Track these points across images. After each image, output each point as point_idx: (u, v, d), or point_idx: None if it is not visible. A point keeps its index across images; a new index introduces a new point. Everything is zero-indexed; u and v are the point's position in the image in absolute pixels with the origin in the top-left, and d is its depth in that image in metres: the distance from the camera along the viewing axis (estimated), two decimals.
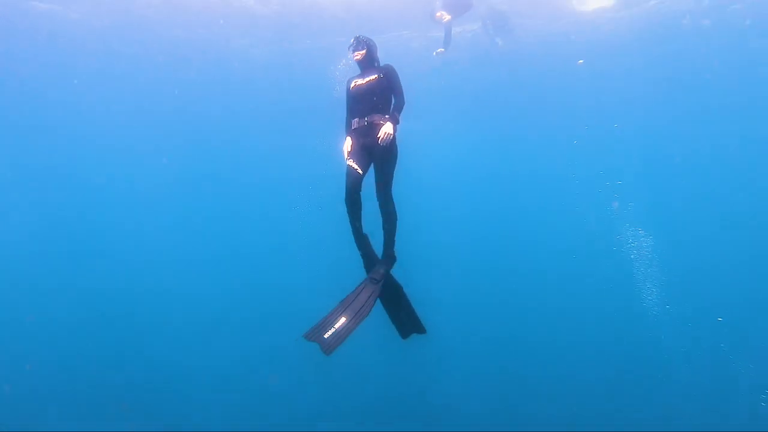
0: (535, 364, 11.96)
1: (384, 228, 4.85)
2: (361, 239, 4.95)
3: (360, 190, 4.93)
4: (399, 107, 4.94)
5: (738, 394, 10.45)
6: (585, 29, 14.82)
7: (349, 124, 5.12)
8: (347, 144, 5.04)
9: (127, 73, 14.88)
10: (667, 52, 16.15)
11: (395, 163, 4.95)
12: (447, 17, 8.51)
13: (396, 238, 4.86)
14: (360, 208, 4.91)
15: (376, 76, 5.02)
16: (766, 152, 16.85)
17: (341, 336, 4.33)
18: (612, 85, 18.19)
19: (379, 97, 4.97)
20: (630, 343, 12.36)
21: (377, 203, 4.86)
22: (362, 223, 4.93)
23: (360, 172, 4.90)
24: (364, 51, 5.15)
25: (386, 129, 4.78)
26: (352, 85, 5.15)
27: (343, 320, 4.41)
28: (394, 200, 4.87)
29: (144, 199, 17.47)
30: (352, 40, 5.20)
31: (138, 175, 17.44)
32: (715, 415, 10.04)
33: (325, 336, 4.32)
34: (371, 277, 4.72)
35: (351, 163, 4.93)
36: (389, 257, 4.85)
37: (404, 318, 5.07)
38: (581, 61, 18.20)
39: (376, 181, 4.87)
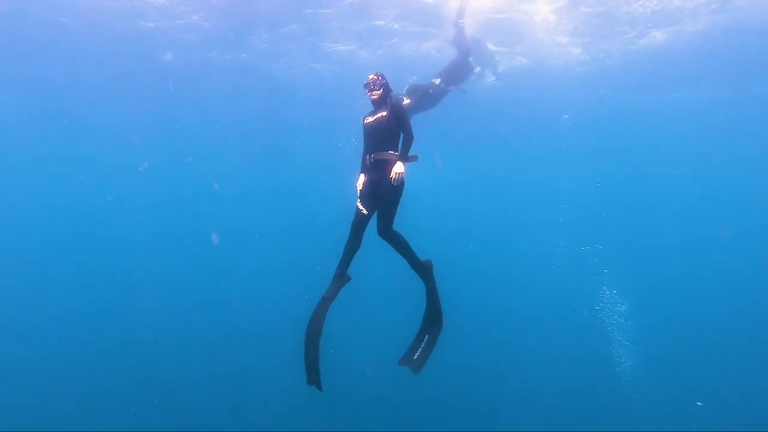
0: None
1: (401, 254, 5.14)
2: (343, 274, 5.14)
3: (363, 231, 5.10)
4: (408, 144, 4.99)
5: None
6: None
7: (363, 159, 5.22)
8: (360, 181, 5.17)
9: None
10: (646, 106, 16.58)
11: (399, 201, 5.03)
12: (407, 101, 8.54)
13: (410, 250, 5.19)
14: (357, 248, 5.10)
15: (383, 113, 5.08)
16: (741, 221, 17.29)
17: (427, 353, 5.20)
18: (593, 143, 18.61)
19: (384, 134, 5.03)
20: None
21: (384, 239, 5.08)
22: (350, 264, 5.11)
23: (365, 213, 5.07)
24: (380, 91, 5.19)
25: (397, 169, 4.86)
26: (365, 121, 5.24)
27: (426, 338, 5.30)
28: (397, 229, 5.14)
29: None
30: (369, 79, 5.22)
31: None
32: None
33: (414, 358, 5.15)
34: (427, 294, 5.36)
35: (359, 204, 5.11)
36: (422, 269, 5.27)
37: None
38: (566, 116, 18.60)
39: (378, 218, 4.99)
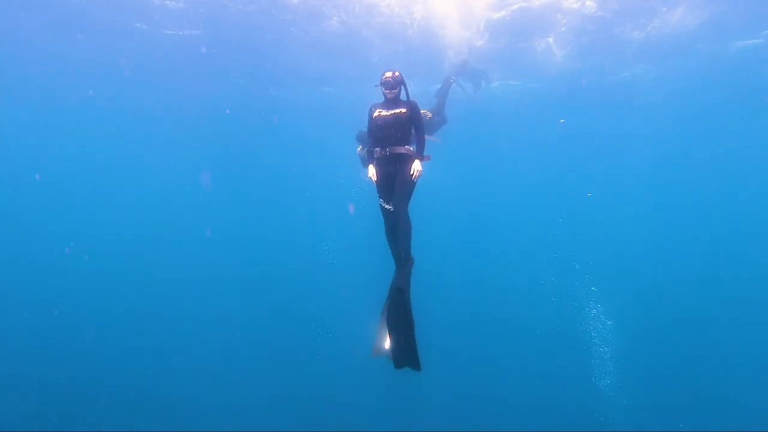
0: None
1: (398, 237, 5.02)
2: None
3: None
4: (423, 143, 5.20)
5: None
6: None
7: (371, 151, 5.29)
8: (372, 173, 5.26)
9: None
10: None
11: (413, 192, 5.21)
12: (429, 115, 8.34)
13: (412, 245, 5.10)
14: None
15: (401, 110, 5.20)
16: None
17: (413, 350, 4.94)
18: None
19: (402, 130, 5.18)
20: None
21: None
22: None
23: (391, 208, 5.16)
24: (397, 90, 5.29)
25: (417, 167, 5.08)
26: (376, 113, 5.29)
27: (403, 339, 4.92)
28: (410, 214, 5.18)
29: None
30: (386, 76, 5.27)
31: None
32: None
33: (410, 360, 4.97)
34: (397, 288, 4.92)
35: (384, 204, 5.21)
36: (401, 263, 5.00)
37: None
38: (562, 120, 18.79)
39: (392, 202, 5.11)
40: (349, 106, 13.94)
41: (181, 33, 11.58)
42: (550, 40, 12.06)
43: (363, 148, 7.83)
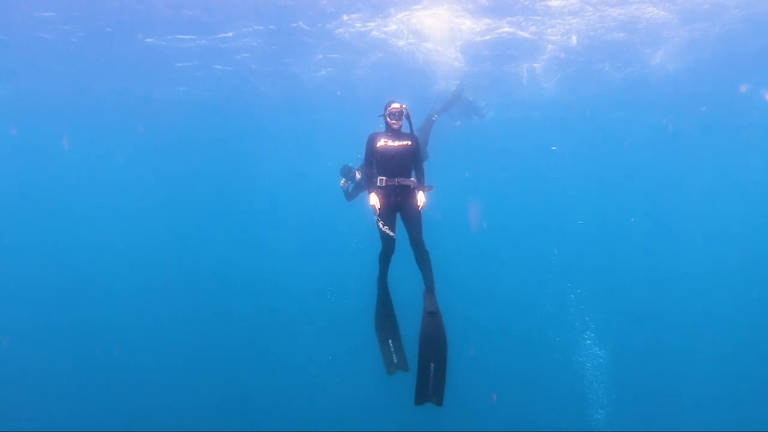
0: None
1: (423, 266, 5.31)
2: (384, 284, 5.72)
3: (395, 251, 5.43)
4: (423, 175, 5.44)
5: None
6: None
7: (373, 180, 5.29)
8: (375, 201, 5.22)
9: None
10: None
11: (422, 220, 5.43)
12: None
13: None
14: (390, 262, 5.57)
15: (407, 142, 5.32)
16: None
17: (440, 382, 5.07)
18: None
19: (408, 161, 5.33)
20: None
21: (412, 249, 5.41)
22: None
23: (394, 235, 5.31)
24: (402, 122, 5.38)
25: (423, 198, 5.28)
26: (381, 143, 5.31)
27: (433, 366, 5.04)
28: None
29: None
30: (394, 107, 5.32)
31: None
32: None
33: (430, 391, 5.07)
34: (429, 312, 5.11)
35: (386, 229, 5.28)
36: (431, 288, 5.27)
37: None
38: (554, 147, 18.97)
39: (410, 236, 5.35)
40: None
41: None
42: (536, 64, 12.27)
43: (347, 182, 8.00)
